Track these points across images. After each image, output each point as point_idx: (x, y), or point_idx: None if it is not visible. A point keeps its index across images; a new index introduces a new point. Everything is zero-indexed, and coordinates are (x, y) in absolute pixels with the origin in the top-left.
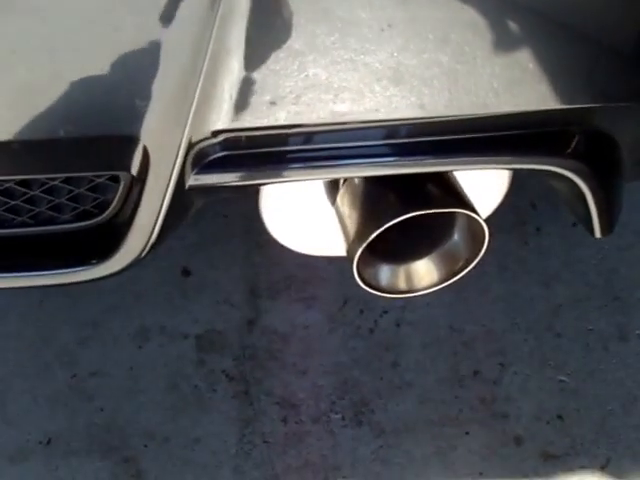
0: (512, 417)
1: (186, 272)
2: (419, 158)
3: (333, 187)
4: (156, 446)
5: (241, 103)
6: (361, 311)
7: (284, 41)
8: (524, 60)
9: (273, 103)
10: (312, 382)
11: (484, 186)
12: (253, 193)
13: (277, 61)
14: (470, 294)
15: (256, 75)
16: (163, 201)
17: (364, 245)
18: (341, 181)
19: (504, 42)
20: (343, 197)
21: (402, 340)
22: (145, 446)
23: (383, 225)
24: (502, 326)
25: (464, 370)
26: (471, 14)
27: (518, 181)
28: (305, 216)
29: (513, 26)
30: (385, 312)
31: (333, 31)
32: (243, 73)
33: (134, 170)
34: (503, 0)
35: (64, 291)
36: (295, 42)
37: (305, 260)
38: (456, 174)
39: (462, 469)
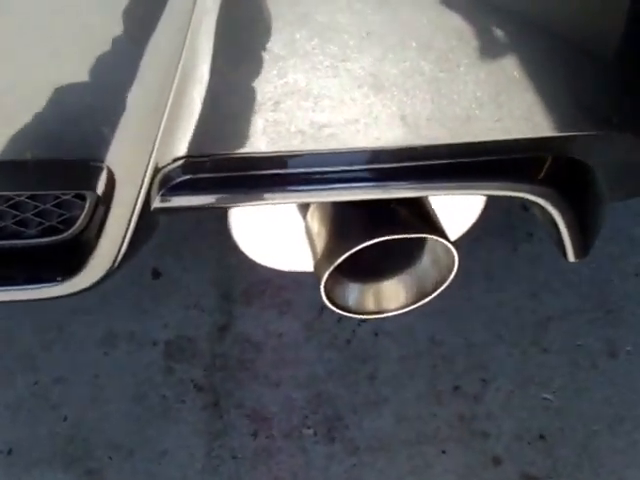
0: (492, 436)
1: (156, 273)
2: (390, 184)
3: (304, 204)
4: (121, 458)
5: (206, 130)
6: (338, 320)
7: (254, 78)
8: (496, 89)
9: (242, 134)
10: (285, 395)
11: (457, 208)
12: (220, 212)
13: (247, 97)
14: (453, 303)
15: (222, 104)
16: (130, 221)
17: (331, 268)
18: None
19: (477, 73)
20: (313, 215)
21: (380, 352)
22: (110, 458)
23: (351, 249)
24: (485, 339)
25: (443, 385)
26: (442, 47)
27: None
28: (275, 232)
29: (488, 54)
30: (363, 322)
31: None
32: (209, 102)
33: (100, 190)
34: (476, 28)
35: None
36: (264, 85)
37: None
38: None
39: None
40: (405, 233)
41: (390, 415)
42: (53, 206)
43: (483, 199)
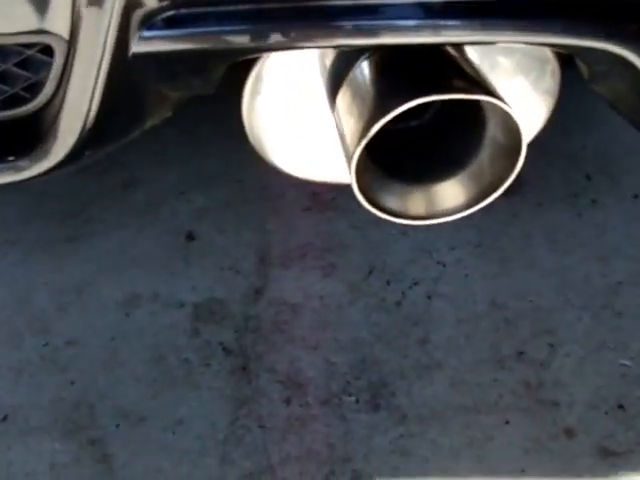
0: (563, 405)
1: (190, 237)
2: (448, 22)
3: (335, 87)
4: (129, 427)
5: None
6: (387, 282)
7: None
8: None
9: None
10: (324, 359)
11: (526, 103)
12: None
13: None
14: (516, 267)
15: None
16: (99, 72)
17: (366, 141)
18: (344, 79)
19: None
20: (344, 95)
21: (433, 315)
22: (117, 426)
23: (391, 112)
24: (552, 303)
25: (506, 350)
26: None
27: (570, 151)
28: (302, 133)
29: None
30: (415, 283)
31: None
32: None
33: (62, 30)
34: None
35: (49, 250)
36: None
37: (326, 227)
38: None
39: (500, 464)
40: (455, 93)
41: (444, 381)
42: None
43: (551, 104)
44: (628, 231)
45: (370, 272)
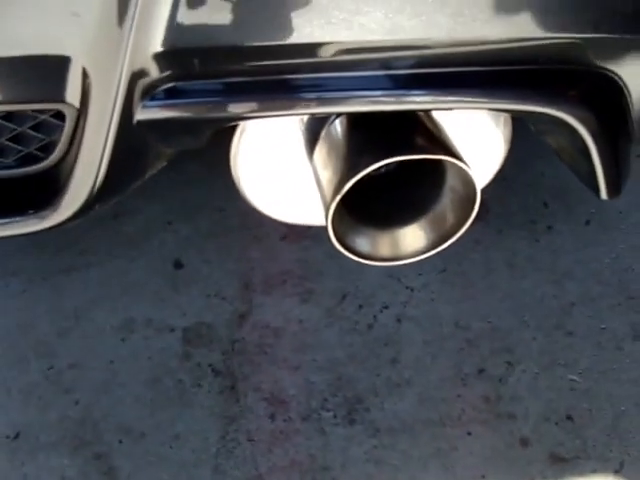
0: (519, 417)
1: (178, 265)
2: (411, 92)
3: (311, 142)
4: (131, 442)
5: (191, 19)
6: (360, 306)
7: None
8: None
9: (232, 22)
10: (304, 378)
11: (480, 150)
12: (213, 138)
13: None
14: (477, 291)
15: None
16: (107, 136)
17: (340, 196)
18: (320, 133)
19: None
20: (321, 149)
21: (402, 336)
22: (120, 442)
23: (362, 171)
24: (510, 324)
25: (468, 368)
26: None
27: (529, 180)
28: (283, 179)
29: None
30: (385, 307)
31: None
32: None
33: (74, 99)
34: None
35: (48, 280)
36: None
37: (304, 255)
38: (450, 134)
39: (463, 472)
40: (419, 153)
41: (413, 397)
42: (31, 129)
43: (503, 149)
44: (580, 256)
45: (344, 297)
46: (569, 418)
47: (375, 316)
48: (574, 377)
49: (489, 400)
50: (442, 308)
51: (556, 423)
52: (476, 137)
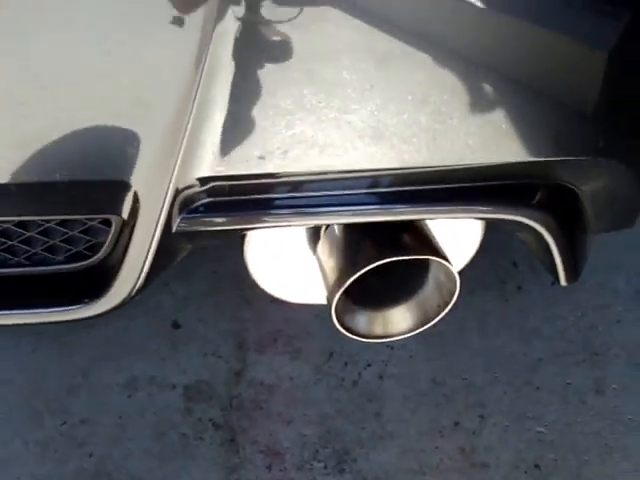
0: (491, 466)
1: (176, 325)
2: (395, 207)
3: (314, 236)
4: None
5: (226, 153)
6: (345, 364)
7: (271, 99)
8: (495, 119)
9: (260, 157)
10: (297, 431)
11: (458, 240)
12: (238, 238)
13: (265, 118)
14: (452, 349)
15: (242, 128)
16: (151, 244)
17: (342, 290)
18: (322, 230)
19: (477, 102)
20: (323, 245)
21: (385, 392)
22: None
23: (359, 270)
24: (483, 380)
25: (445, 421)
26: (447, 78)
27: (499, 241)
28: (289, 265)
29: (485, 89)
30: (369, 365)
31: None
32: (229, 126)
33: (124, 214)
34: (474, 67)
35: (56, 340)
36: (282, 100)
37: (292, 315)
38: (431, 227)
39: None
40: (408, 255)
41: (395, 448)
42: (80, 232)
43: (480, 234)
44: (547, 314)
45: (330, 355)
46: (537, 467)
47: (360, 373)
48: (541, 429)
49: (464, 451)
50: (420, 366)
51: (525, 471)
52: (456, 227)
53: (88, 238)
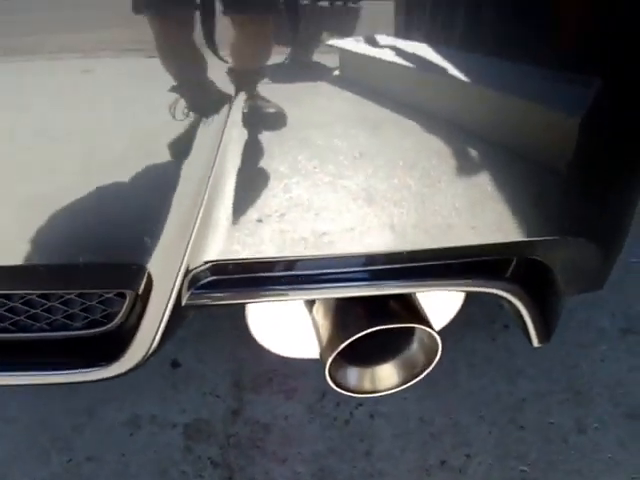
0: None
1: (176, 364)
2: (384, 282)
3: (310, 301)
4: None
5: (231, 239)
6: (337, 403)
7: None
8: (471, 201)
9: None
10: (291, 469)
11: (441, 302)
12: (238, 308)
13: (264, 213)
14: (440, 388)
15: (243, 219)
16: (164, 314)
17: (334, 354)
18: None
19: (454, 188)
20: (318, 309)
21: (375, 431)
22: None
23: (350, 337)
24: (469, 419)
25: (432, 460)
26: (424, 162)
27: None
28: (286, 325)
29: (464, 178)
30: (360, 405)
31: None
32: (234, 217)
33: (138, 289)
34: (452, 150)
35: None
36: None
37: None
38: (417, 293)
39: None
40: (397, 323)
41: None
42: (97, 303)
43: (462, 295)
44: (533, 353)
45: (323, 395)
46: None
47: (351, 412)
48: (524, 468)
49: None
50: (409, 405)
51: None
52: (440, 292)
53: (104, 307)
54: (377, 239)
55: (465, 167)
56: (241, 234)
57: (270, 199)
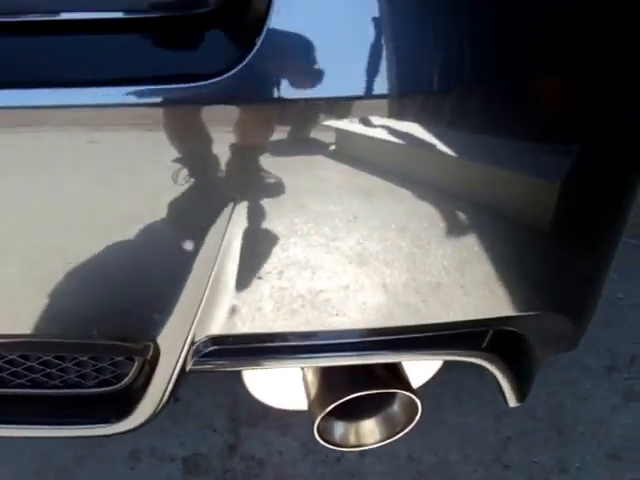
0: None
1: (175, 398)
2: (371, 353)
3: None
4: None
5: (232, 316)
6: None
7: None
8: (453, 282)
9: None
10: None
11: (422, 364)
12: None
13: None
14: (428, 426)
15: (243, 300)
16: (171, 376)
17: (322, 415)
18: None
19: (436, 273)
20: (308, 369)
21: (365, 468)
22: None
23: (336, 401)
24: (456, 456)
25: None
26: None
27: None
28: (279, 379)
29: (446, 262)
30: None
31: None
32: (235, 298)
33: (147, 356)
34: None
35: None
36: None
37: None
38: None
39: None
40: (379, 389)
41: None
42: (108, 364)
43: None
44: None
45: None
46: None
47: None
48: None
49: None
50: (398, 442)
51: None
52: None
53: (114, 369)
54: (365, 316)
55: (448, 253)
56: (241, 311)
57: (269, 275)
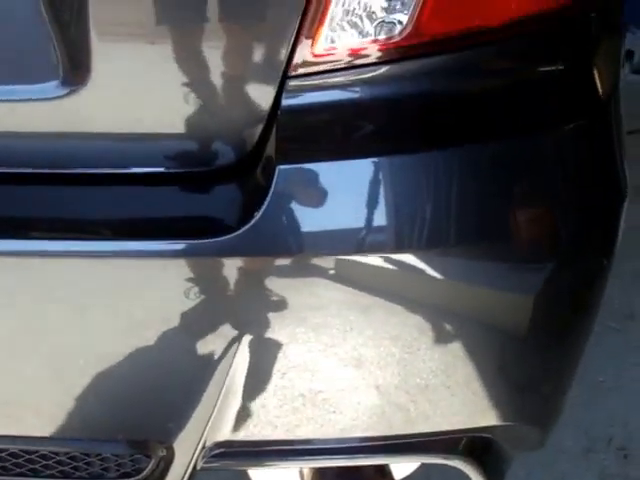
0: None
1: None
2: (359, 456)
3: None
4: None
5: (239, 425)
6: None
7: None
8: (430, 395)
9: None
10: None
11: None
12: None
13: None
14: None
15: (249, 408)
16: (184, 474)
17: None
18: None
19: (418, 382)
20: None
21: None
22: None
23: None
24: None
25: None
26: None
27: None
28: (280, 472)
29: (430, 375)
30: None
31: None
32: (242, 407)
33: (164, 456)
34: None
35: None
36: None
37: None
38: None
39: None
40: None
41: None
42: (128, 460)
43: None
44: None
45: None
46: None
47: None
48: None
49: None
50: None
51: None
52: None
53: (133, 464)
54: (358, 420)
55: (433, 367)
56: (247, 420)
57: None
